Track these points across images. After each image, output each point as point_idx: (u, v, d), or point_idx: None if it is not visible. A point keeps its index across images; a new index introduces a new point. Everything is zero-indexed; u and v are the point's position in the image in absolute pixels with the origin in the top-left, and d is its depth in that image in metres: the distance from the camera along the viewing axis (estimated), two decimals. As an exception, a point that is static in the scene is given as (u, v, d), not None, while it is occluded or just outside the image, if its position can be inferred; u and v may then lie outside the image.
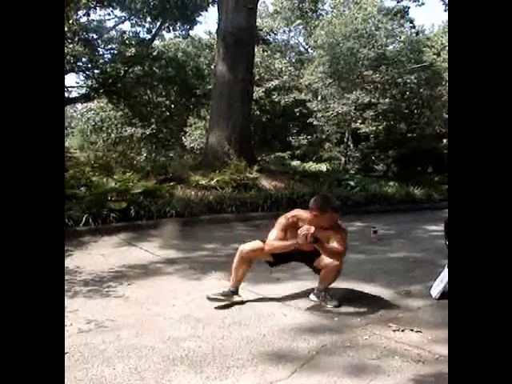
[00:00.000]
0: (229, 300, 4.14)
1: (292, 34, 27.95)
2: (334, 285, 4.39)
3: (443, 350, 3.04)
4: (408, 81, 20.06)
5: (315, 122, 21.53)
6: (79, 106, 28.77)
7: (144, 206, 7.73)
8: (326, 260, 4.05)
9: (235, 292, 4.20)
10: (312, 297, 4.25)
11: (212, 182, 9.83)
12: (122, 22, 18.97)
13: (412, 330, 3.54)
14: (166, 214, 7.78)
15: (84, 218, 6.91)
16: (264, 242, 4.15)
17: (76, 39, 16.59)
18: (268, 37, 24.32)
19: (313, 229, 3.80)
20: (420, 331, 3.52)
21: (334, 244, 4.01)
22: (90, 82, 20.21)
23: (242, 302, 4.19)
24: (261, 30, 20.94)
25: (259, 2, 13.90)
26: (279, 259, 4.32)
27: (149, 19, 18.04)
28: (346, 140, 22.24)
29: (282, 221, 4.18)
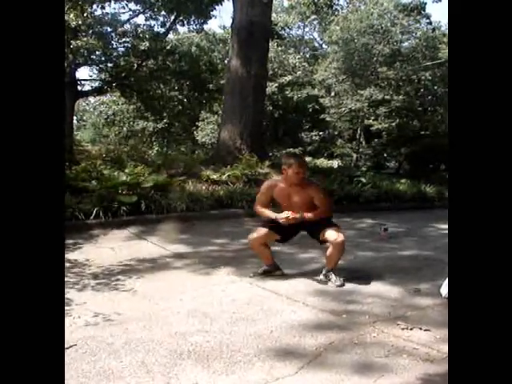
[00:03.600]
0: (270, 275, 4.71)
1: (306, 29, 27.93)
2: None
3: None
4: (422, 78, 19.96)
5: (328, 118, 21.49)
6: (92, 99, 28.93)
7: (154, 199, 7.74)
8: (328, 236, 4.52)
9: (273, 268, 4.77)
10: (321, 276, 4.62)
11: (223, 177, 9.82)
12: (137, 16, 18.98)
13: (421, 329, 3.51)
14: (176, 209, 7.78)
15: (94, 211, 6.92)
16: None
17: (90, 32, 16.63)
18: (282, 32, 24.27)
19: (290, 214, 4.44)
20: (429, 330, 3.50)
21: (318, 204, 4.56)
22: (103, 76, 20.29)
23: (282, 275, 4.74)
24: (275, 24, 20.86)
25: (274, -3, 13.87)
26: (285, 236, 4.78)
27: (163, 13, 18.02)
28: (358, 136, 22.17)
29: (263, 190, 4.79)
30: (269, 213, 4.67)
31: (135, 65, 18.79)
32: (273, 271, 4.76)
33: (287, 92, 22.08)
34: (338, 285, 4.48)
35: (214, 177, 9.87)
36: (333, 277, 4.54)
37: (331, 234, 4.49)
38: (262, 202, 4.74)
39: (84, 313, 3.67)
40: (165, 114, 22.23)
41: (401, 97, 20.01)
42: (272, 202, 4.85)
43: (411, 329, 3.51)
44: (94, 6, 15.59)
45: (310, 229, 4.69)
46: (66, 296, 3.95)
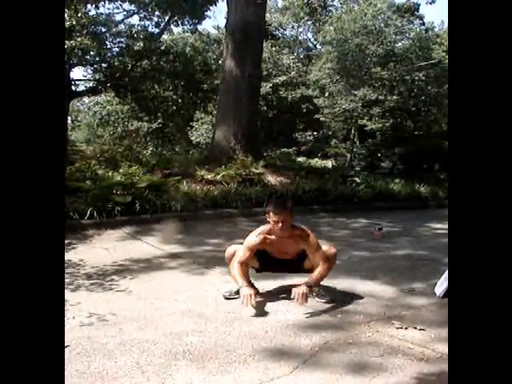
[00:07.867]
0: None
1: (301, 29, 27.81)
2: (337, 281, 4.42)
3: (446, 348, 3.01)
4: (416, 78, 19.97)
5: (322, 119, 21.49)
6: (86, 99, 28.84)
7: (149, 200, 7.73)
8: (317, 258, 4.04)
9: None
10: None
11: (218, 177, 9.82)
12: (131, 16, 18.96)
13: (415, 328, 3.52)
14: (170, 209, 7.78)
15: (89, 212, 6.91)
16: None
17: (84, 32, 16.59)
18: (277, 32, 24.30)
19: (304, 288, 3.82)
20: (423, 329, 3.51)
21: (316, 259, 4.01)
22: (97, 76, 20.25)
23: (258, 293, 4.15)
24: (269, 25, 20.90)
25: (268, -3, 13.88)
26: (264, 267, 4.31)
27: (157, 13, 17.98)
28: (352, 137, 22.16)
29: (251, 242, 4.08)
30: (241, 277, 3.96)
31: (129, 65, 18.76)
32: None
33: (281, 92, 22.08)
34: (327, 300, 4.09)
35: (209, 177, 9.87)
36: (321, 292, 4.14)
37: (321, 253, 4.03)
38: (246, 256, 4.05)
39: (78, 313, 3.66)
40: (159, 114, 22.17)
41: (394, 97, 20.01)
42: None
43: (406, 328, 3.52)
44: (89, 6, 15.54)
45: (293, 266, 4.26)
46: (60, 296, 3.94)
